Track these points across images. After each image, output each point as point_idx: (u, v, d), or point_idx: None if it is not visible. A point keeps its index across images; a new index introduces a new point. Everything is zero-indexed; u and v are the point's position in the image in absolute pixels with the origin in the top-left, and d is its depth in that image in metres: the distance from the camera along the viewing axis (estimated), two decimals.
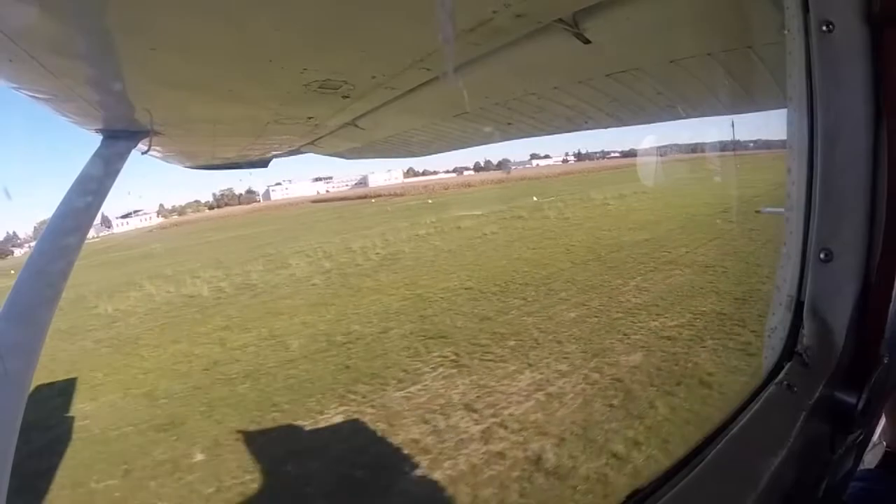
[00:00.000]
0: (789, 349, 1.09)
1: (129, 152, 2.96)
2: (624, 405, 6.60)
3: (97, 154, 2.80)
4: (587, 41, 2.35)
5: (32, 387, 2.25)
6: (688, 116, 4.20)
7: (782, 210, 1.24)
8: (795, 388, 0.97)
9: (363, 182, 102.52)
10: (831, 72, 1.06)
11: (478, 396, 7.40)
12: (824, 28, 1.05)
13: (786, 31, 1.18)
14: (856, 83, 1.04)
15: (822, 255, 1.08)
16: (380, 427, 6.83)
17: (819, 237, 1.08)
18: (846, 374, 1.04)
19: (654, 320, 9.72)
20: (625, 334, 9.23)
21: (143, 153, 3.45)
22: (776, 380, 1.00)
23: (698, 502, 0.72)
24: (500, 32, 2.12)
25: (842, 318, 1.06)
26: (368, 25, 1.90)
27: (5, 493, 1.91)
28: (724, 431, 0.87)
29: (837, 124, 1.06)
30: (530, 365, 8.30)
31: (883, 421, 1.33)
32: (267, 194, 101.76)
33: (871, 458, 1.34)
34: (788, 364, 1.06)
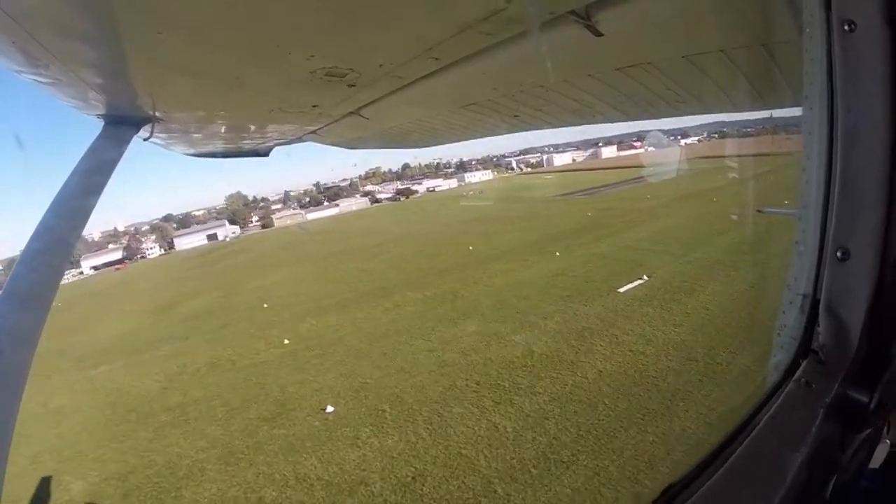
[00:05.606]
0: (804, 346, 1.08)
1: (131, 138, 2.92)
2: None
3: (99, 139, 2.76)
4: (599, 34, 2.32)
5: None
6: (696, 113, 4.16)
7: (787, 211, 1.22)
8: (813, 385, 0.96)
9: (595, 154, 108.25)
10: (853, 72, 1.05)
11: None
12: (846, 28, 1.03)
13: (805, 30, 1.16)
14: (878, 83, 1.03)
15: (838, 254, 1.07)
16: None
17: (836, 236, 1.07)
18: (860, 372, 1.04)
19: None
20: None
21: (144, 139, 3.42)
22: (794, 377, 0.99)
23: (730, 499, 0.72)
24: (512, 23, 2.09)
25: (857, 316, 1.06)
26: (379, 12, 1.86)
27: (3, 483, 1.89)
28: (747, 427, 0.87)
29: (858, 124, 1.05)
30: None
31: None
32: (550, 160, 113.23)
33: (876, 458, 1.33)
34: (805, 361, 1.05)
